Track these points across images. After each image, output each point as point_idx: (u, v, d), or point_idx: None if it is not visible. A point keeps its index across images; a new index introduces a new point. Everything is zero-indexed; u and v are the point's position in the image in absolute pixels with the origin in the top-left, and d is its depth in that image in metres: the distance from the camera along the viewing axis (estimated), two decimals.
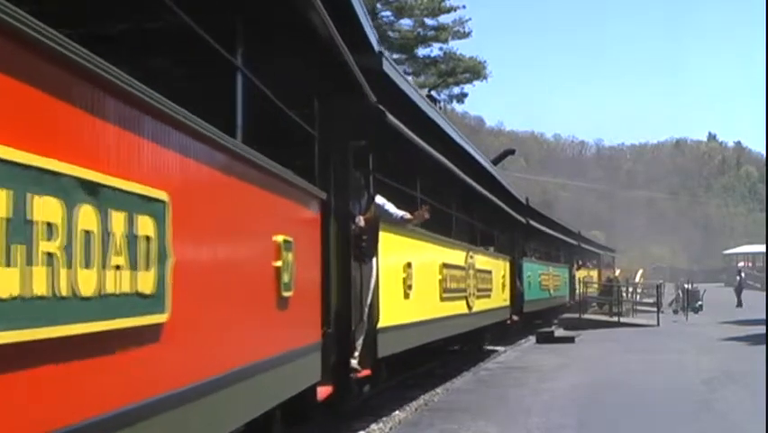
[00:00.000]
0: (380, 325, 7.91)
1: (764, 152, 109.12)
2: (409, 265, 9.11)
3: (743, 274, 39.05)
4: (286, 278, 4.79)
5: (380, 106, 7.58)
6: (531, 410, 9.12)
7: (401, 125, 8.50)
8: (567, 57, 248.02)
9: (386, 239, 8.32)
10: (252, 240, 4.48)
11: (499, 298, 15.82)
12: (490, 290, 14.65)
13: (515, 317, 18.02)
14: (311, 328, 5.79)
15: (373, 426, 8.56)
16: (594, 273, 39.19)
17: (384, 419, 8.95)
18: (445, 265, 10.97)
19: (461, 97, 44.59)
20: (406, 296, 9.03)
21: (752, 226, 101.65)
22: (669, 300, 33.01)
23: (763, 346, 13.82)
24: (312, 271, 5.84)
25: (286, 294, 4.80)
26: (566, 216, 43.06)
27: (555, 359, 14.74)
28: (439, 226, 11.46)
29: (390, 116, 7.92)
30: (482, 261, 14.11)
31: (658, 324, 23.68)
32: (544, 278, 22.88)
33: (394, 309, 8.49)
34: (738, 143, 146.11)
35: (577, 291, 30.44)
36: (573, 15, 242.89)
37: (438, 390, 11.38)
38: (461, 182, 12.90)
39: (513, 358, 15.89)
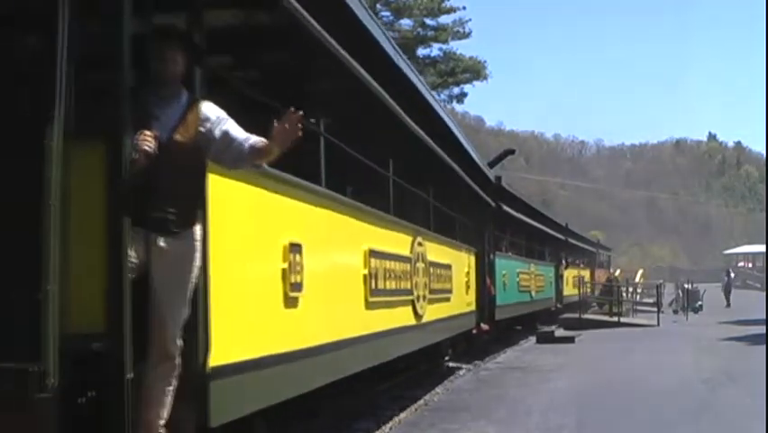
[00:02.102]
0: (215, 363, 4.21)
1: (764, 152, 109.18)
2: (295, 248, 5.39)
3: (732, 275, 39.18)
4: None
5: None
6: (531, 410, 9.13)
7: None
8: (567, 57, 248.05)
9: (235, 193, 4.59)
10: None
11: (462, 301, 12.41)
12: (450, 291, 11.31)
13: (484, 326, 14.88)
14: None
15: (373, 426, 8.57)
16: (586, 273, 35.56)
17: (384, 419, 8.96)
18: (374, 253, 7.34)
19: (461, 97, 44.57)
20: (291, 303, 5.36)
21: (752, 226, 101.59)
22: (669, 300, 33.00)
23: (763, 346, 13.83)
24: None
25: None
26: (566, 216, 42.81)
27: (555, 359, 14.74)
28: (368, 192, 8.64)
29: None
30: (437, 251, 10.52)
31: (658, 324, 23.68)
32: (524, 277, 19.49)
33: (257, 330, 4.92)
34: (738, 143, 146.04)
35: (565, 293, 27.98)
36: (573, 15, 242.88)
37: (438, 389, 11.39)
38: (406, 132, 8.56)
39: (513, 358, 15.89)
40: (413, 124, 8.54)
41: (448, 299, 11.25)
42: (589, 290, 32.39)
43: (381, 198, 8.74)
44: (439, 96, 39.79)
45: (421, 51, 40.61)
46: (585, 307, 28.08)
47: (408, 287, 8.74)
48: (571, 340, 18.96)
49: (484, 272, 15.20)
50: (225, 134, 4.11)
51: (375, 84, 6.93)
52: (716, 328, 21.96)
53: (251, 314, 4.82)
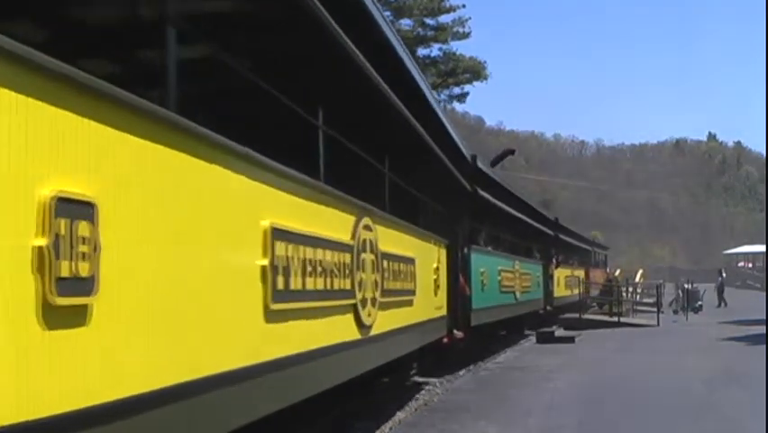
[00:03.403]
0: None
1: (764, 152, 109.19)
2: (70, 210, 2.74)
3: (724, 275, 39.34)
4: None
5: None
6: (531, 411, 9.12)
7: None
8: (567, 56, 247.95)
9: None
10: None
11: (428, 305, 10.15)
12: (412, 292, 8.96)
13: (457, 333, 12.73)
14: None
15: (373, 426, 8.56)
16: (580, 273, 32.59)
17: (384, 418, 8.95)
18: (278, 233, 4.78)
19: (462, 97, 44.63)
20: (57, 319, 2.68)
21: (752, 226, 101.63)
22: (669, 300, 33.00)
23: (763, 346, 13.82)
24: None
25: None
26: (566, 216, 42.68)
27: (555, 359, 14.73)
28: (286, 152, 5.35)
29: None
30: (395, 240, 8.30)
31: (658, 324, 23.67)
32: (507, 276, 17.11)
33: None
34: (738, 143, 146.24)
35: (556, 294, 25.53)
36: (574, 15, 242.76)
37: (438, 390, 11.39)
38: (347, 64, 6.13)
39: (513, 358, 15.88)
40: (358, 56, 6.08)
41: (410, 303, 8.85)
42: (585, 290, 31.02)
43: (306, 159, 5.96)
44: (439, 96, 39.82)
45: (421, 51, 40.63)
46: (585, 307, 27.95)
47: (348, 287, 6.24)
48: (570, 340, 18.96)
49: (457, 269, 12.95)
50: None
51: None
52: (716, 328, 21.95)
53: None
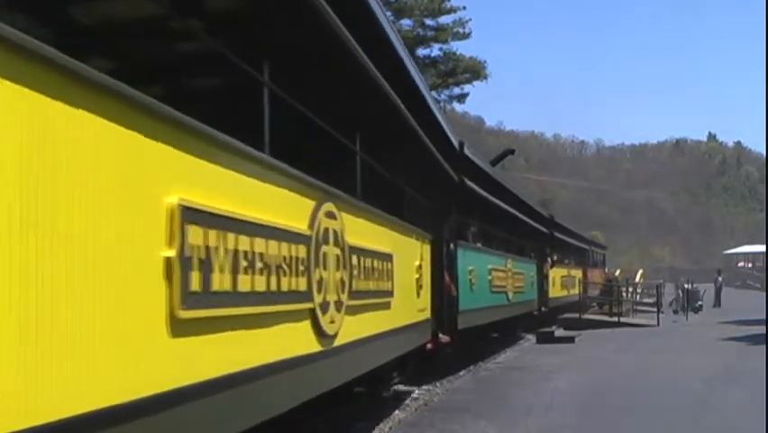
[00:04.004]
0: None
1: (764, 152, 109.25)
2: None
3: (720, 277, 39.62)
4: None
5: None
6: (531, 411, 9.12)
7: None
8: (567, 56, 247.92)
9: None
10: None
11: (410, 307, 9.06)
12: (389, 293, 7.77)
13: (443, 338, 11.66)
14: None
15: (373, 425, 8.56)
16: (577, 273, 31.41)
17: (384, 419, 8.95)
18: (191, 214, 3.58)
19: (462, 97, 44.60)
20: None
21: (752, 226, 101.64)
22: (669, 300, 33.01)
23: (763, 346, 13.82)
24: None
25: None
26: (566, 216, 42.62)
27: (555, 359, 14.73)
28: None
29: None
30: (367, 231, 7.10)
31: (658, 324, 23.66)
32: (498, 276, 15.98)
33: None
34: (738, 143, 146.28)
35: (551, 294, 24.35)
36: (574, 15, 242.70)
37: (438, 390, 11.38)
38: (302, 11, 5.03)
39: (513, 358, 15.88)
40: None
41: (386, 306, 7.72)
42: (583, 290, 30.33)
43: (244, 128, 4.55)
44: (439, 96, 39.85)
45: (421, 52, 40.64)
46: (585, 307, 27.92)
47: (302, 288, 5.04)
48: (570, 340, 18.96)
49: (442, 267, 11.81)
50: None
51: None
52: (716, 328, 21.94)
53: None
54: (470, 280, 13.35)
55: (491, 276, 15.24)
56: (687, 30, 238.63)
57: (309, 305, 5.22)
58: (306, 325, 5.24)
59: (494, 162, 18.55)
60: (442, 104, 38.51)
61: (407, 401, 10.12)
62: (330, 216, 5.78)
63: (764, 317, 19.49)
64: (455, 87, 43.09)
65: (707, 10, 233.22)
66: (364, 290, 6.78)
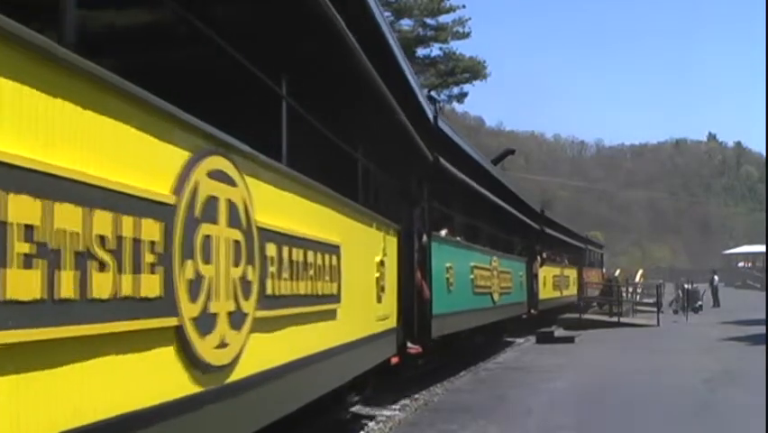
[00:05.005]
0: None
1: (764, 152, 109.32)
2: None
3: (716, 277, 39.85)
4: None
5: None
6: (531, 411, 9.11)
7: None
8: (567, 56, 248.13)
9: None
10: None
11: (365, 315, 7.17)
12: (334, 297, 5.81)
13: (411, 347, 9.84)
14: None
15: (373, 426, 8.55)
16: (571, 273, 29.22)
17: (384, 419, 8.94)
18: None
19: (461, 97, 44.60)
20: None
21: (752, 226, 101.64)
22: (669, 300, 33.03)
23: (763, 346, 13.82)
24: None
25: None
26: (566, 216, 42.57)
27: (555, 359, 14.73)
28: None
29: None
30: (291, 209, 5.03)
31: (658, 324, 23.66)
32: (482, 275, 13.97)
33: None
34: (738, 143, 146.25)
35: (542, 296, 21.98)
36: (574, 15, 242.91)
37: (438, 390, 11.37)
38: None
39: (513, 358, 15.88)
40: None
41: (329, 315, 5.69)
42: (579, 291, 29.42)
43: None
44: (439, 96, 39.82)
45: (421, 51, 40.67)
46: (585, 308, 27.91)
47: (155, 292, 3.08)
48: (570, 340, 18.96)
49: (413, 264, 10.06)
50: None
51: None
52: (716, 328, 21.94)
53: None
54: (448, 280, 11.52)
55: (474, 275, 13.35)
56: (688, 30, 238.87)
57: (170, 321, 3.20)
58: (168, 353, 3.23)
59: (494, 162, 18.50)
60: (442, 104, 38.49)
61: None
62: (220, 177, 3.70)
63: (764, 317, 19.50)
64: (455, 86, 43.11)
65: (707, 10, 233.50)
66: (289, 295, 4.72)
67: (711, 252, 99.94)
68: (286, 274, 4.69)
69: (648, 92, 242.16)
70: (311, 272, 5.23)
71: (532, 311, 20.35)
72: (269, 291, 4.37)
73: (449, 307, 11.42)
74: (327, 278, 5.65)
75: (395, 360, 8.92)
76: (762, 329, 17.84)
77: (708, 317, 27.77)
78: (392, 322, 8.37)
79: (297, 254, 4.93)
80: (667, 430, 8.05)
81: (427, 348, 10.43)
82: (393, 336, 8.49)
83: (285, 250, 4.68)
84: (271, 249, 4.44)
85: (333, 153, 6.99)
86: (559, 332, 21.10)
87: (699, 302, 32.39)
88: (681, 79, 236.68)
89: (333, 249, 5.84)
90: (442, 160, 10.61)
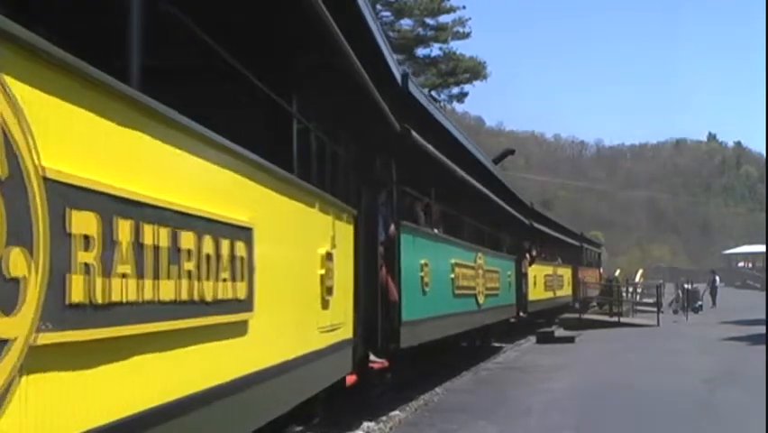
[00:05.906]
0: None
1: (764, 152, 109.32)
2: None
3: (716, 278, 39.84)
4: None
5: None
6: (531, 411, 9.11)
7: None
8: (567, 56, 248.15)
9: None
10: None
11: (303, 328, 5.48)
12: (245, 304, 4.04)
13: (375, 361, 8.47)
14: None
15: (373, 425, 8.55)
16: (565, 272, 27.33)
17: (384, 419, 8.93)
18: None
19: (461, 97, 44.56)
20: None
21: (752, 226, 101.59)
22: (669, 300, 33.04)
23: (763, 346, 13.82)
24: None
25: None
26: (566, 216, 42.53)
27: (555, 359, 14.73)
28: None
29: None
30: (129, 150, 2.87)
31: (658, 324, 23.67)
32: (464, 273, 12.14)
33: None
34: (738, 143, 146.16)
35: (532, 297, 19.88)
36: (574, 15, 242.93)
37: (438, 390, 11.37)
38: None
39: (513, 358, 15.87)
40: None
41: (237, 329, 4.01)
42: (574, 291, 28.18)
43: None
44: (439, 96, 39.84)
45: (421, 51, 40.68)
46: (585, 308, 27.90)
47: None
48: (570, 340, 18.96)
49: (376, 259, 8.43)
50: None
51: None
52: (716, 328, 21.95)
53: None
54: (422, 279, 9.71)
55: (455, 274, 11.52)
56: (688, 30, 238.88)
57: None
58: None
59: (494, 162, 18.47)
60: (442, 104, 38.48)
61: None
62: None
63: (764, 317, 19.50)
64: (455, 86, 43.09)
65: (707, 10, 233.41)
66: (137, 303, 2.86)
67: (711, 252, 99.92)
68: (126, 268, 2.75)
69: (648, 92, 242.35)
70: (189, 266, 3.31)
71: (521, 314, 18.53)
72: (74, 297, 2.42)
73: (423, 311, 9.73)
74: (230, 273, 3.80)
75: (351, 379, 7.31)
76: (762, 329, 17.84)
77: (708, 317, 27.79)
78: (346, 332, 6.71)
79: (156, 235, 3.00)
80: (667, 430, 8.05)
81: (395, 361, 8.86)
82: (347, 350, 6.83)
83: (123, 225, 2.73)
84: (83, 221, 2.49)
85: (255, 105, 5.32)
86: (559, 332, 21.12)
87: (699, 302, 32.41)
88: (682, 79, 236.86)
89: (240, 232, 3.96)
90: (414, 133, 8.40)
